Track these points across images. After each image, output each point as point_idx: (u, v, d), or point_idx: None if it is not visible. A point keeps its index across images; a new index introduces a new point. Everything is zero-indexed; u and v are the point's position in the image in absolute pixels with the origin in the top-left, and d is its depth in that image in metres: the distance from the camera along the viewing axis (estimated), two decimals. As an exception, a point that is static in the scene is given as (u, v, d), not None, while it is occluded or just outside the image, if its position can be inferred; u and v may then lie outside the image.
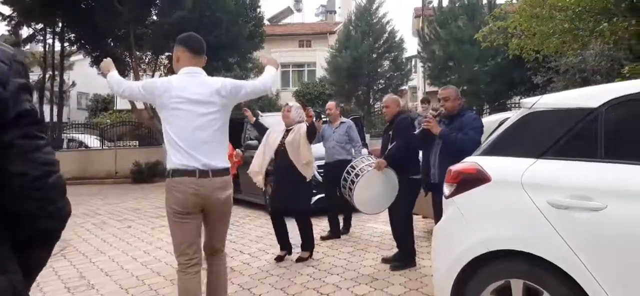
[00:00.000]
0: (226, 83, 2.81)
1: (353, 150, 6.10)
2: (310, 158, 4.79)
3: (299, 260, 4.86)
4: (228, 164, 2.85)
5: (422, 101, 10.63)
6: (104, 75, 2.98)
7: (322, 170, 6.54)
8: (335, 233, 6.00)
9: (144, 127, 18.73)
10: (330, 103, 6.27)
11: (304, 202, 5.00)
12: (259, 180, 5.15)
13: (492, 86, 16.63)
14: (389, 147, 4.61)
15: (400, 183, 4.52)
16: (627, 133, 2.21)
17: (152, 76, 16.80)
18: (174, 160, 2.66)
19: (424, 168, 4.39)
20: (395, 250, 4.77)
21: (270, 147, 5.01)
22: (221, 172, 2.74)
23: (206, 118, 2.69)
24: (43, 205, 0.98)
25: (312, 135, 4.75)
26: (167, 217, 2.79)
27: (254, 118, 5.30)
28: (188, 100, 2.66)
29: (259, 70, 23.46)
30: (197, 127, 2.66)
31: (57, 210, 1.02)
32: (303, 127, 4.81)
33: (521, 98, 13.62)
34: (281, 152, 4.85)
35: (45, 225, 1.01)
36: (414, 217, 4.82)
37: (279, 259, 4.92)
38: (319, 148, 6.18)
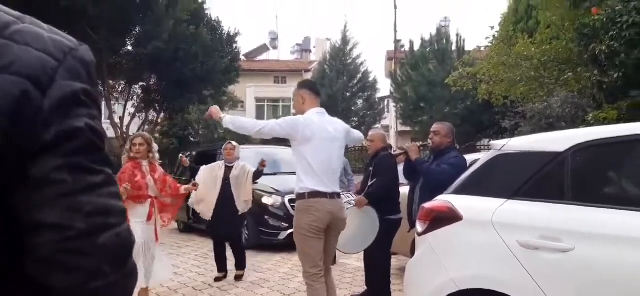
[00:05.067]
0: (346, 125, 3.49)
1: (347, 182, 6.61)
2: (250, 197, 5.66)
3: (237, 277, 5.47)
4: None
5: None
6: (212, 119, 3.31)
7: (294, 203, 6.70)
8: None
9: (113, 156, 18.29)
10: None
11: (239, 228, 5.85)
12: (203, 210, 5.62)
13: (462, 128, 17.07)
14: (369, 183, 4.41)
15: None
16: (592, 177, 2.30)
17: (125, 105, 16.55)
18: (308, 184, 3.09)
19: (409, 203, 4.29)
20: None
21: (215, 180, 5.51)
22: (340, 196, 3.28)
23: (338, 153, 3.25)
24: (84, 280, 0.59)
25: (258, 178, 5.63)
26: (299, 235, 3.15)
27: (189, 163, 5.97)
28: (327, 138, 3.15)
29: (234, 103, 23.49)
30: (331, 158, 3.17)
31: (108, 286, 0.61)
32: (249, 167, 5.56)
33: (490, 140, 13.97)
34: (225, 185, 5.46)
35: None
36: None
37: (218, 280, 5.44)
38: (290, 182, 6.20)
